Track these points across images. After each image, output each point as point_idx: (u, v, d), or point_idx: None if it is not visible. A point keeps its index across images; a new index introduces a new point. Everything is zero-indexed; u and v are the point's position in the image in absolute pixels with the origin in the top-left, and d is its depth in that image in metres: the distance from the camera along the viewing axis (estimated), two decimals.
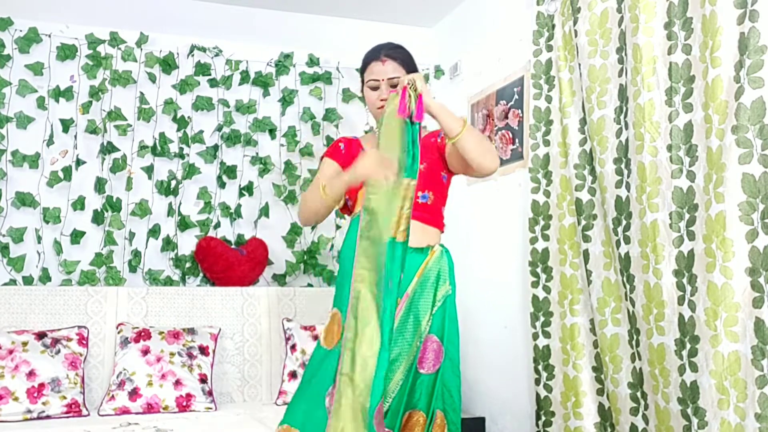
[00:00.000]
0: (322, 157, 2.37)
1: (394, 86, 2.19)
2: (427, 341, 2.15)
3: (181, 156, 3.74)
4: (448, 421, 2.17)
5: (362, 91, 2.32)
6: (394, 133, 2.05)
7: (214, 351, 3.31)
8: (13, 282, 3.43)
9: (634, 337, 2.49)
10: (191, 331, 3.32)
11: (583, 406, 2.77)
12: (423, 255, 2.19)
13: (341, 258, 2.11)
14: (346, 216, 2.35)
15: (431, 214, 2.24)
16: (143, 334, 3.22)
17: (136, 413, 3.05)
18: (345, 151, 2.32)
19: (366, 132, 2.30)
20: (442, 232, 2.31)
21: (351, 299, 1.95)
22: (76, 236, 3.53)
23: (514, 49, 3.38)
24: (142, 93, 3.70)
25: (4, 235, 3.45)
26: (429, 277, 2.18)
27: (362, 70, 2.31)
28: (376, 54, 2.27)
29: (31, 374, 2.96)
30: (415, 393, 2.13)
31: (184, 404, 3.10)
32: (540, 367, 2.94)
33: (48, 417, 2.94)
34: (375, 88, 2.25)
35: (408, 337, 2.13)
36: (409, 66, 2.26)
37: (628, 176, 2.47)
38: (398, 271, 2.00)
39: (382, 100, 2.21)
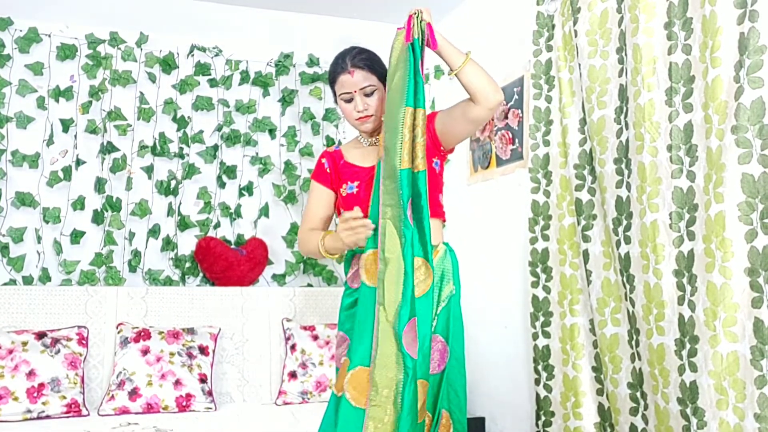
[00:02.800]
0: (311, 178, 2.36)
1: (368, 95, 2.17)
2: (431, 341, 2.15)
3: (181, 156, 3.74)
4: (453, 421, 2.16)
5: (335, 102, 2.25)
6: (399, 63, 2.05)
7: (213, 351, 3.32)
8: (13, 282, 3.43)
9: (634, 337, 2.49)
10: (191, 331, 3.32)
11: (582, 406, 2.77)
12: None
13: (372, 202, 2.11)
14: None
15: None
16: (143, 334, 3.23)
17: (136, 413, 3.05)
18: (330, 169, 2.28)
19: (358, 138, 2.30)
20: (444, 221, 2.28)
21: (379, 235, 2.03)
22: (76, 236, 3.53)
23: (514, 49, 3.38)
24: (142, 93, 3.70)
25: (4, 235, 3.45)
26: (441, 277, 2.17)
27: (331, 83, 2.23)
28: (342, 65, 2.17)
29: (31, 374, 2.97)
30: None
31: (183, 404, 3.11)
32: (540, 367, 2.94)
33: (48, 417, 2.94)
34: (349, 101, 2.18)
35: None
36: (378, 69, 2.19)
37: (629, 176, 2.47)
38: (420, 198, 2.03)
39: (358, 111, 2.17)
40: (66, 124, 3.57)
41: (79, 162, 3.58)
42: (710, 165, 2.13)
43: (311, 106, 3.97)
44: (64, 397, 2.99)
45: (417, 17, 2.06)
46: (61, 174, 3.54)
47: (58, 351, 3.07)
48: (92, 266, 3.56)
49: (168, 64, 3.74)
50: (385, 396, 1.97)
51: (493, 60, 3.59)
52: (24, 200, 3.48)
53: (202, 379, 3.19)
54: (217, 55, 3.85)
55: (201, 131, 3.79)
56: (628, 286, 2.47)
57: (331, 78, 2.22)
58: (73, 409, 2.99)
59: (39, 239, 3.50)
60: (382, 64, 2.22)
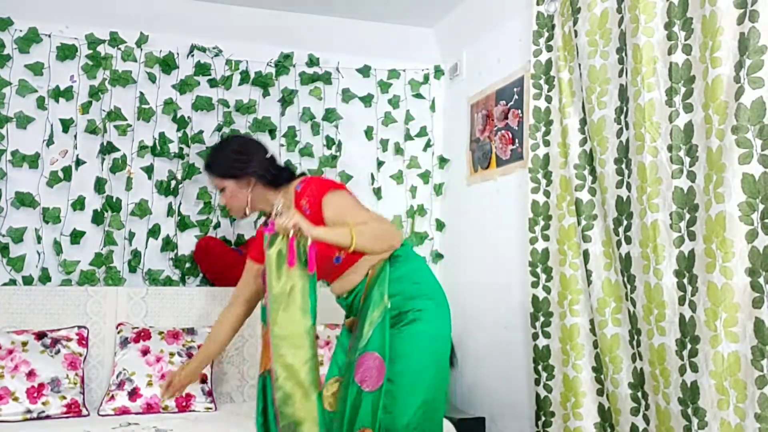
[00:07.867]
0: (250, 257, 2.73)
1: (222, 191, 2.53)
2: (365, 358, 2.16)
3: (181, 156, 3.74)
4: None
5: None
6: (294, 289, 2.18)
7: None
8: (13, 282, 3.43)
9: (635, 337, 2.49)
10: (191, 331, 3.32)
11: (582, 406, 2.77)
12: (363, 282, 2.34)
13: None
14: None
15: (352, 263, 2.35)
16: (143, 335, 3.22)
17: (136, 413, 3.05)
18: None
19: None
20: (388, 252, 2.34)
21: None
22: (76, 236, 3.53)
23: (514, 49, 3.38)
24: (141, 93, 3.69)
25: (4, 235, 3.45)
26: (373, 295, 2.26)
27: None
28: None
29: (30, 374, 2.96)
30: (360, 411, 2.13)
31: (183, 404, 3.10)
32: (540, 368, 2.94)
33: (48, 417, 2.94)
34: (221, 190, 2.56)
35: (346, 354, 2.29)
36: (216, 171, 2.49)
37: (629, 176, 2.47)
38: None
39: (221, 204, 2.56)
40: (66, 125, 3.57)
41: (79, 162, 3.58)
42: (711, 165, 2.13)
43: (311, 106, 3.97)
44: (64, 398, 2.98)
45: (299, 241, 2.14)
46: (61, 174, 3.54)
47: (58, 351, 3.07)
48: (92, 266, 3.55)
49: (168, 64, 3.74)
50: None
51: (493, 60, 3.60)
52: (24, 200, 3.47)
53: (202, 379, 3.19)
54: (217, 55, 3.84)
55: (201, 131, 3.78)
56: (628, 287, 2.47)
57: None
58: (73, 410, 2.99)
59: (39, 239, 3.50)
60: (228, 162, 2.46)
